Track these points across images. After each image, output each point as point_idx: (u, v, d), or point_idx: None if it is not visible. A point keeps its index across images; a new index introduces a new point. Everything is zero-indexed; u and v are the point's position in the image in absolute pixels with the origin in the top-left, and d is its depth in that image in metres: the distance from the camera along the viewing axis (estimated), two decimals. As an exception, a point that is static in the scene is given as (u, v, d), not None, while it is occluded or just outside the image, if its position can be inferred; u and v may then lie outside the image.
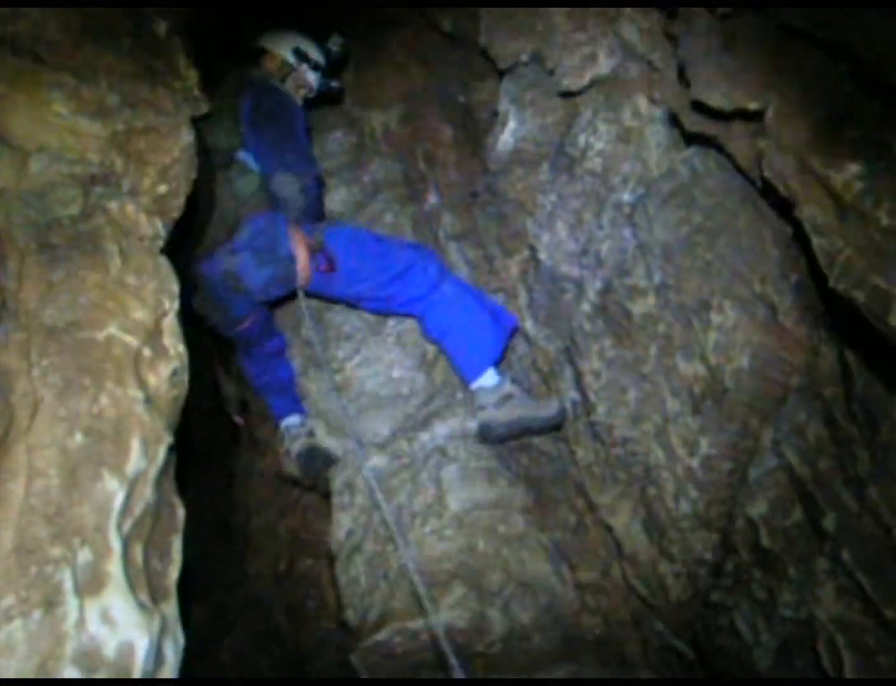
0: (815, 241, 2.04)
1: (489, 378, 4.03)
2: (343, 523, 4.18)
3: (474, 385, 4.07)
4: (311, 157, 4.60)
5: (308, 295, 4.33)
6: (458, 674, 2.57)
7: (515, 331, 4.17)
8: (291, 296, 4.37)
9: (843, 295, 1.95)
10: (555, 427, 3.97)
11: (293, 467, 4.68)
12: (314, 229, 4.28)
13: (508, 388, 3.98)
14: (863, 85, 1.97)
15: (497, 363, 4.08)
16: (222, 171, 4.26)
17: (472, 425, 4.09)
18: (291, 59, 4.56)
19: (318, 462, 4.47)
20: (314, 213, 4.55)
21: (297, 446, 4.53)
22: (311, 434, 4.55)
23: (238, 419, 4.96)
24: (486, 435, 3.98)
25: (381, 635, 3.59)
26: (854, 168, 1.92)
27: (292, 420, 4.66)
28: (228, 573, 5.39)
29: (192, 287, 4.07)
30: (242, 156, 4.33)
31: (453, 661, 2.61)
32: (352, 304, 4.58)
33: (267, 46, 4.59)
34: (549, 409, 3.88)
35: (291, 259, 4.12)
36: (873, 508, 2.27)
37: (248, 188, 4.32)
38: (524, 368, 4.07)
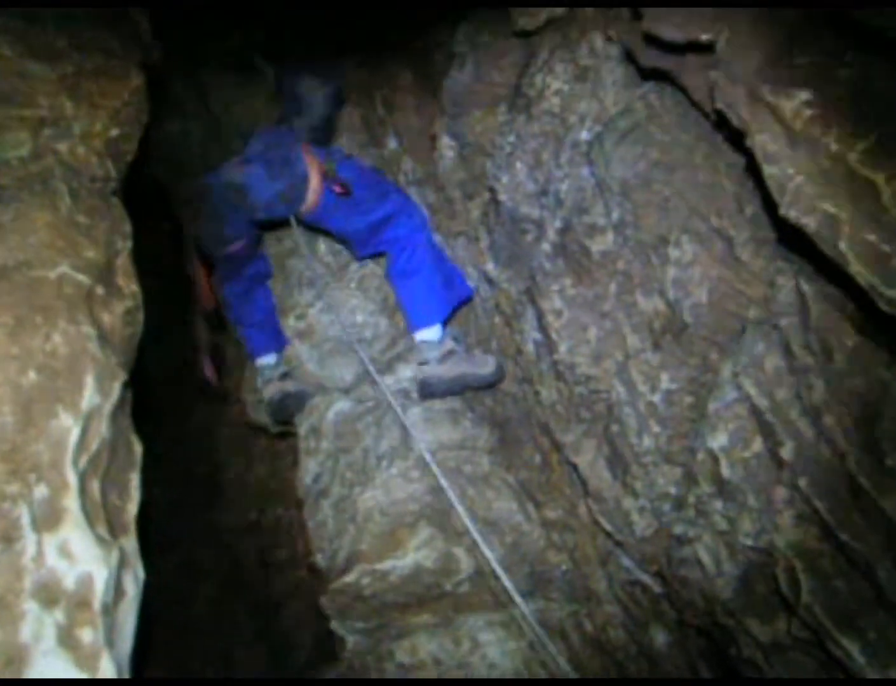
0: (766, 170, 2.05)
1: (433, 332, 4.11)
2: (310, 468, 4.21)
3: (418, 335, 4.15)
4: (335, 65, 4.61)
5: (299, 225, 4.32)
6: None
7: (468, 300, 4.28)
8: (279, 226, 4.38)
9: (794, 222, 1.96)
10: (491, 384, 4.10)
11: (262, 415, 4.69)
12: (326, 154, 4.20)
13: (450, 344, 4.07)
14: (812, 13, 1.97)
15: (443, 322, 4.16)
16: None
17: (413, 377, 4.18)
18: None
19: (288, 409, 4.47)
20: (325, 136, 4.50)
21: (269, 391, 4.48)
22: (284, 376, 4.52)
23: (209, 372, 4.85)
24: (427, 391, 4.06)
25: (349, 577, 3.62)
26: (803, 96, 1.93)
27: (267, 360, 4.60)
28: (199, 523, 5.40)
29: (185, 202, 4.09)
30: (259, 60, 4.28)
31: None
32: (336, 240, 4.55)
33: None
34: (486, 367, 4.02)
35: (304, 178, 4.05)
36: (829, 436, 2.30)
37: (260, 98, 4.23)
38: (487, 311, 4.08)
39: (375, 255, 4.48)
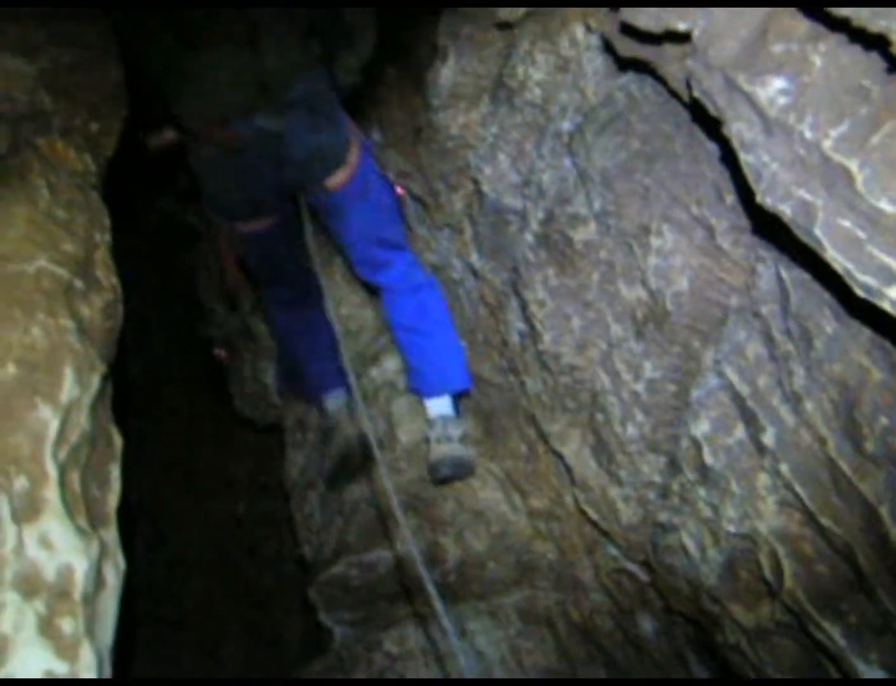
0: (743, 158, 2.06)
1: (448, 406, 3.88)
2: (296, 461, 4.22)
3: (434, 404, 3.88)
4: None
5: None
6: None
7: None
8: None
9: (771, 210, 1.97)
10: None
11: (249, 409, 4.65)
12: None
13: (466, 427, 3.85)
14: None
15: (459, 396, 3.96)
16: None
17: (432, 452, 3.83)
18: None
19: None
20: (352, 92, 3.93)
21: (346, 433, 4.01)
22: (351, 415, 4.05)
23: (221, 352, 4.54)
24: (456, 472, 3.77)
25: (337, 568, 3.64)
26: (778, 83, 1.94)
27: (338, 394, 4.14)
28: (186, 518, 5.42)
29: (202, 164, 3.57)
30: None
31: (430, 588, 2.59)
32: (333, 241, 4.11)
33: None
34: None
35: (346, 142, 3.64)
36: (809, 422, 2.32)
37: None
38: (472, 302, 4.09)
39: (367, 284, 4.17)
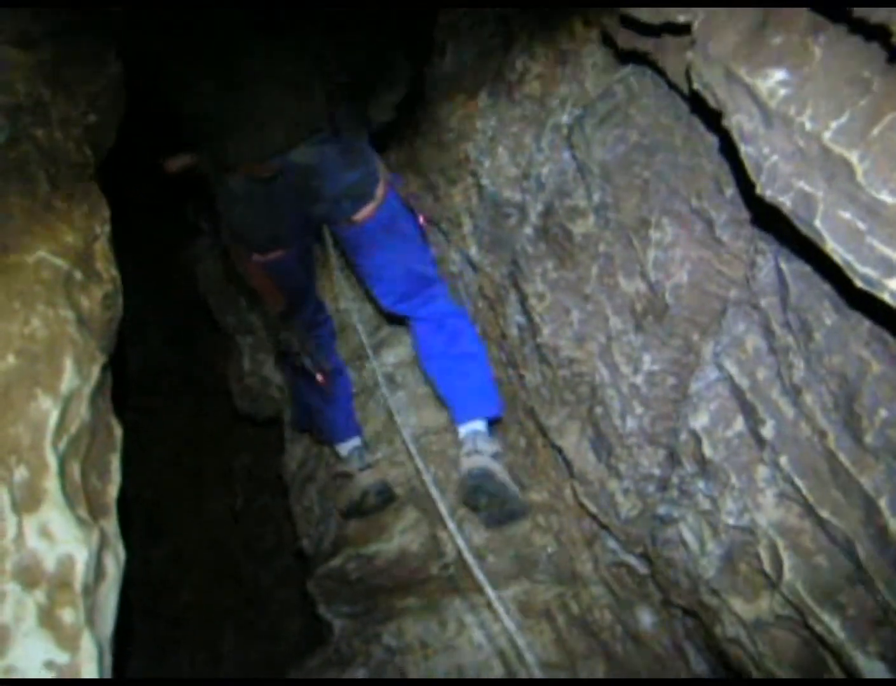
0: (743, 149, 2.06)
1: (482, 424, 3.78)
2: (295, 454, 4.23)
3: (472, 426, 3.78)
4: None
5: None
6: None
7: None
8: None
9: (771, 202, 1.98)
10: (517, 515, 3.75)
11: (248, 405, 4.63)
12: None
13: (499, 447, 3.76)
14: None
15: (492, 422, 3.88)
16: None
17: (461, 466, 3.74)
18: None
19: (385, 500, 3.92)
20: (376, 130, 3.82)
21: (363, 481, 3.88)
22: (372, 462, 4.00)
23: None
24: (481, 484, 3.64)
25: (335, 562, 3.65)
26: (778, 75, 1.94)
27: (354, 442, 4.05)
28: (185, 513, 5.42)
29: (228, 195, 3.49)
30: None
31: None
32: (358, 275, 4.03)
33: None
34: (521, 497, 3.71)
35: (375, 176, 3.57)
36: (809, 414, 2.32)
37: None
38: (471, 295, 4.09)
39: (396, 316, 4.07)
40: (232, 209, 3.54)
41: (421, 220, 3.85)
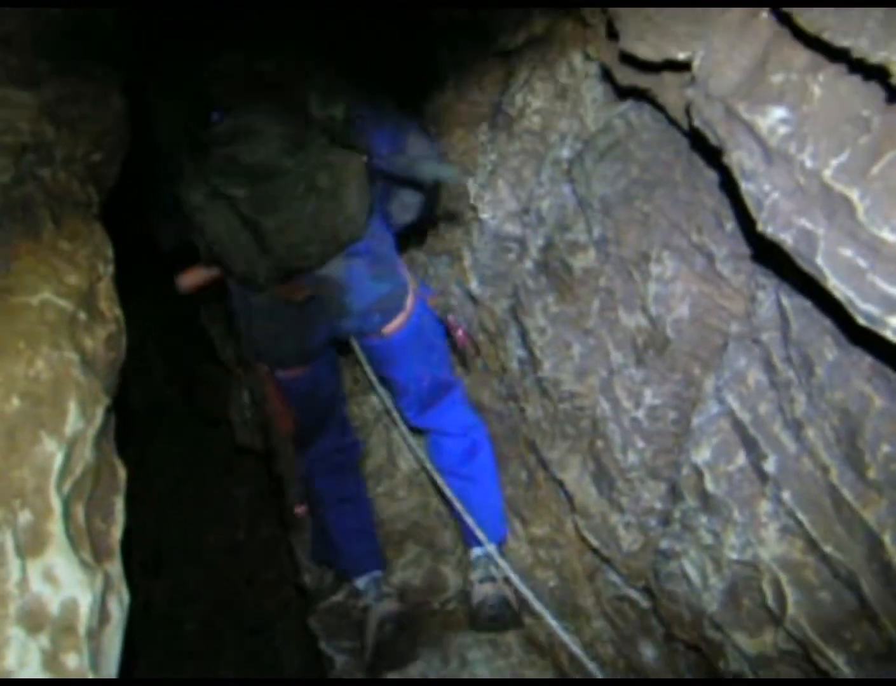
0: (743, 186, 2.07)
1: (495, 548, 3.47)
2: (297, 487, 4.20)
3: (485, 549, 3.44)
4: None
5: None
6: None
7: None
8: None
9: (772, 238, 1.99)
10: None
11: (248, 437, 4.61)
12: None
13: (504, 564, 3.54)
14: (784, 30, 1.99)
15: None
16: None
17: (474, 591, 3.63)
18: None
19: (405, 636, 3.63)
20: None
21: (379, 613, 3.60)
22: (388, 595, 3.68)
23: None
24: (500, 613, 3.57)
25: (337, 597, 3.62)
26: (778, 113, 1.95)
27: (373, 576, 3.73)
28: (186, 545, 5.41)
29: (251, 312, 3.40)
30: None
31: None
32: (394, 390, 3.81)
33: None
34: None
35: (405, 288, 3.46)
36: (811, 449, 2.32)
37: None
38: (472, 329, 4.09)
39: (419, 429, 3.91)
40: (255, 327, 3.45)
41: (460, 332, 3.72)
